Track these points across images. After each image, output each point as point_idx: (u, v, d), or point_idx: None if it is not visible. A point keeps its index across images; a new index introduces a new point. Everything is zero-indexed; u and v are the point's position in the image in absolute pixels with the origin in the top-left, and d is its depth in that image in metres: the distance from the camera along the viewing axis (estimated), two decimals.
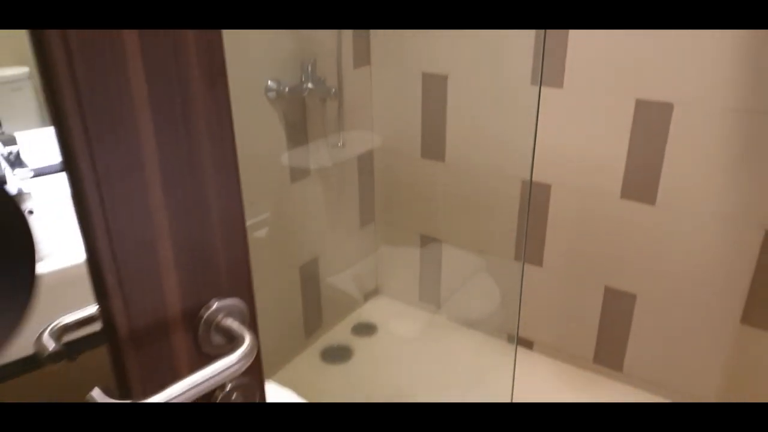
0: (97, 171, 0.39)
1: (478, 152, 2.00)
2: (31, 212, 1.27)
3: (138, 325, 0.45)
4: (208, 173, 0.46)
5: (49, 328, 0.49)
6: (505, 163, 1.96)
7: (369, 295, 2.48)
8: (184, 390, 0.44)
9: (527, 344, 2.16)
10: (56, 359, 0.47)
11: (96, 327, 0.49)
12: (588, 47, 1.69)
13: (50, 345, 0.47)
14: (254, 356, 0.47)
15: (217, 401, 0.52)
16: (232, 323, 0.49)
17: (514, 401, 1.80)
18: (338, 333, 2.28)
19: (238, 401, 0.54)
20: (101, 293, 0.43)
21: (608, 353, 1.97)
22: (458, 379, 2.07)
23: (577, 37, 1.70)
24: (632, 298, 1.85)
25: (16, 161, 1.24)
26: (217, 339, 0.50)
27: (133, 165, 0.41)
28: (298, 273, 2.07)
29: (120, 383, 0.46)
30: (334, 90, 1.89)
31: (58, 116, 0.37)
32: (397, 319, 2.38)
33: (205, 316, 0.49)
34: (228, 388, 0.52)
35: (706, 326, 1.76)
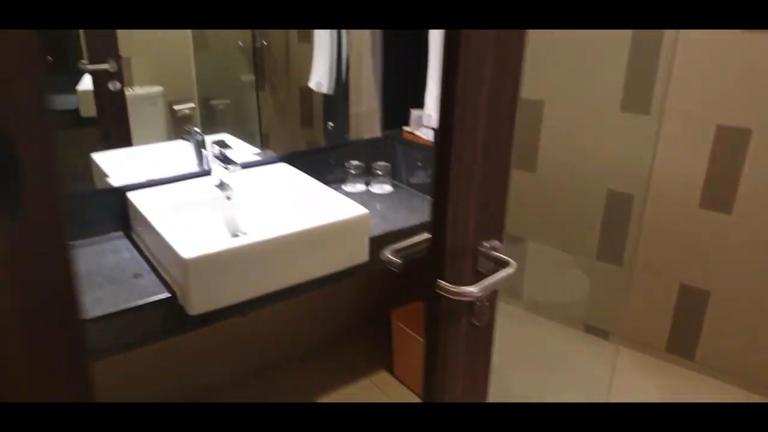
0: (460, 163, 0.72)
1: (567, 165, 2.29)
2: (228, 198, 1.63)
3: (452, 247, 0.77)
4: (493, 165, 0.79)
5: (388, 250, 0.81)
6: (591, 175, 2.25)
7: None
8: (482, 287, 0.76)
9: (603, 334, 2.42)
10: (399, 268, 0.80)
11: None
12: (673, 77, 1.97)
13: (394, 259, 0.80)
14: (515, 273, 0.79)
15: (475, 306, 0.84)
16: (497, 254, 0.82)
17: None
18: None
19: (485, 307, 0.86)
20: (441, 226, 0.76)
21: (681, 343, 2.22)
22: (540, 361, 2.34)
23: (662, 68, 1.99)
24: (706, 294, 2.11)
25: (224, 159, 1.60)
26: (484, 264, 0.83)
27: (471, 154, 0.74)
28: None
29: (437, 276, 0.78)
30: None
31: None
32: None
33: (482, 249, 0.81)
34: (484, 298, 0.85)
35: None
